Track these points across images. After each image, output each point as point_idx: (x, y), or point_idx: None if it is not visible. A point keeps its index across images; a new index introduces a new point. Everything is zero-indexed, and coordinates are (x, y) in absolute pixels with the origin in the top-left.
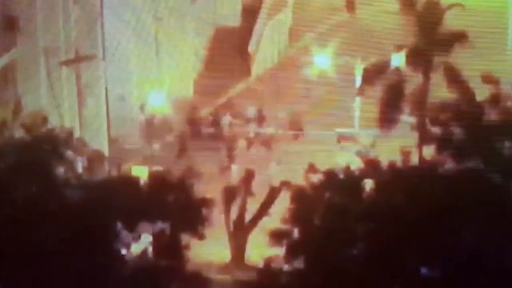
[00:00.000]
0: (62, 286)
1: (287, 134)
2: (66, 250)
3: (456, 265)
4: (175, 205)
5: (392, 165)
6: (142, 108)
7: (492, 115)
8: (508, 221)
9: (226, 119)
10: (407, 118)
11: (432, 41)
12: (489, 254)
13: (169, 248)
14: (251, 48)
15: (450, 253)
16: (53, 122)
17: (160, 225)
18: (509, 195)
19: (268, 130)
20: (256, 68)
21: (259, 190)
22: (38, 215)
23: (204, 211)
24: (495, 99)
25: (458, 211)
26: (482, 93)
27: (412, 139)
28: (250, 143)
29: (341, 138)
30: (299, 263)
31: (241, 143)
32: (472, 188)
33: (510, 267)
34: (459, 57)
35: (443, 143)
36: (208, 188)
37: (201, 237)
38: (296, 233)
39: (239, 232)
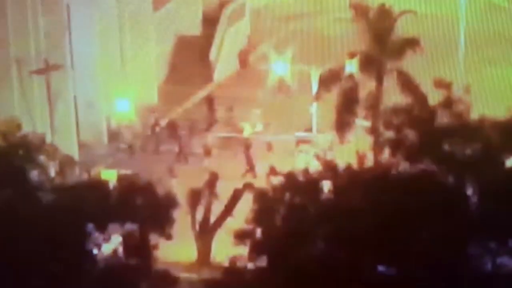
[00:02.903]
0: (37, 285)
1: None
2: (40, 250)
3: (411, 263)
4: (143, 207)
5: (348, 167)
6: (108, 119)
7: (444, 119)
8: (461, 220)
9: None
10: (362, 122)
11: (385, 47)
12: (443, 252)
13: (138, 248)
14: (212, 56)
15: (406, 251)
16: (26, 128)
17: (129, 226)
18: (460, 195)
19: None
20: (217, 75)
21: (223, 192)
22: (14, 217)
23: (171, 212)
24: (447, 103)
25: (412, 211)
26: (434, 97)
27: (367, 142)
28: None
29: (299, 141)
30: (262, 262)
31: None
32: (425, 189)
33: (464, 265)
34: (412, 63)
35: (397, 145)
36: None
37: (168, 237)
38: (258, 233)
39: (205, 233)
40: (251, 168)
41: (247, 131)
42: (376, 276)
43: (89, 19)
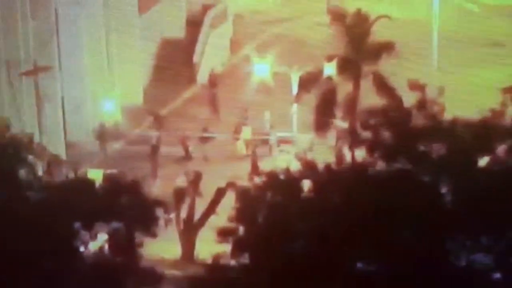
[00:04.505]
0: (25, 281)
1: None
2: (28, 247)
3: (389, 259)
4: (129, 206)
5: (327, 167)
6: (95, 120)
7: (419, 119)
8: (436, 217)
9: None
10: (340, 122)
11: (361, 51)
12: (420, 249)
13: (123, 246)
14: (195, 58)
15: (383, 248)
16: (15, 128)
17: (115, 224)
18: (435, 193)
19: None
20: (201, 76)
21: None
22: (2, 215)
23: (156, 211)
24: (422, 104)
25: (389, 208)
26: (409, 99)
27: (345, 142)
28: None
29: (280, 141)
30: (244, 259)
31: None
32: (401, 187)
33: (440, 261)
34: (387, 66)
35: (373, 145)
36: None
37: (153, 235)
38: (241, 230)
39: (189, 230)
40: (255, 169)
41: (246, 134)
42: (355, 272)
43: (77, 23)
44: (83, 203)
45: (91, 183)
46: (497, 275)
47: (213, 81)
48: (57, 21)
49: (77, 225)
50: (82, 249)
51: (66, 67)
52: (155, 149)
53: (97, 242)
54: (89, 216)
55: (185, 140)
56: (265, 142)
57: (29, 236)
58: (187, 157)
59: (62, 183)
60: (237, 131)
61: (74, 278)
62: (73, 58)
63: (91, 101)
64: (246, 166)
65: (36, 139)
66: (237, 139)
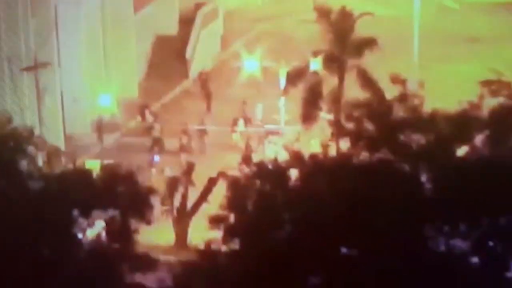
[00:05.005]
0: (25, 266)
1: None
2: (28, 234)
3: (372, 244)
4: (125, 194)
5: (313, 157)
6: (92, 113)
7: (400, 112)
8: (416, 205)
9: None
10: (325, 115)
11: (346, 46)
12: (401, 235)
13: (120, 233)
14: (187, 54)
15: (366, 234)
16: (16, 121)
17: (111, 212)
18: (415, 182)
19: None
20: (193, 72)
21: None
22: (5, 204)
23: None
24: (403, 97)
25: (372, 196)
26: (391, 92)
27: (330, 133)
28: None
29: (269, 133)
30: (235, 244)
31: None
32: (383, 176)
33: (420, 246)
34: (370, 61)
35: (357, 137)
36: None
37: (148, 222)
38: (232, 218)
39: (182, 218)
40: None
41: (241, 127)
42: (339, 257)
43: (75, 20)
44: (81, 192)
45: (88, 173)
46: (475, 260)
47: (204, 81)
48: (56, 18)
49: (75, 213)
50: (80, 236)
51: (65, 62)
52: (157, 141)
53: (94, 229)
54: (87, 205)
55: (187, 132)
56: (258, 133)
57: (30, 223)
58: (188, 149)
59: (61, 173)
60: (234, 123)
61: (72, 264)
62: (71, 54)
63: (88, 95)
64: (237, 157)
65: (37, 131)
66: (234, 131)
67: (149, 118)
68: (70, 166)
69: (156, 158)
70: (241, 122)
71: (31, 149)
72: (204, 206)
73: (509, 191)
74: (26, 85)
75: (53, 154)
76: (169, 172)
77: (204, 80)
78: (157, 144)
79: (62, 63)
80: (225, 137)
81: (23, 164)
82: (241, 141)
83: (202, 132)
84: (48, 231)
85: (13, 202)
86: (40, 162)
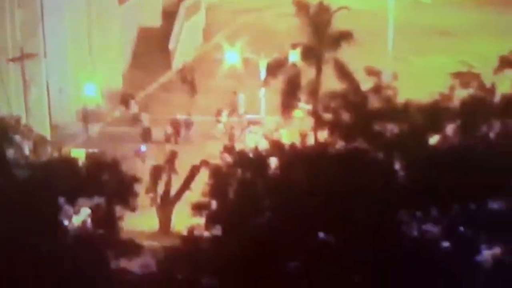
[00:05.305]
0: (12, 253)
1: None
2: (15, 222)
3: (348, 230)
4: (109, 182)
5: (292, 146)
6: (77, 103)
7: (375, 103)
8: (390, 191)
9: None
10: (304, 105)
11: (323, 39)
12: (376, 220)
13: (105, 219)
14: (170, 46)
15: (342, 219)
16: (3, 110)
17: (96, 199)
18: (389, 169)
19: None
20: (176, 63)
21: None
22: None
23: (135, 186)
24: (377, 89)
25: (348, 183)
26: (366, 83)
27: (308, 123)
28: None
29: (250, 123)
30: (217, 231)
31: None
32: (358, 163)
33: (394, 231)
34: (347, 53)
35: (334, 126)
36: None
37: (132, 209)
38: (214, 205)
39: (166, 205)
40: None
41: (225, 118)
42: (317, 242)
43: (61, 12)
44: (67, 180)
45: (74, 161)
46: (446, 244)
47: (184, 74)
48: (42, 10)
49: (61, 200)
50: (66, 222)
51: (50, 53)
52: (146, 130)
53: (80, 216)
54: (73, 192)
55: (176, 123)
56: (241, 123)
57: (16, 211)
58: (176, 140)
59: (47, 161)
60: (218, 114)
61: (59, 250)
62: (57, 45)
63: (74, 85)
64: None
65: (23, 121)
66: (219, 122)
67: (135, 107)
68: (56, 154)
69: (143, 147)
70: (225, 113)
71: (17, 138)
72: (187, 193)
73: (478, 178)
74: (12, 75)
75: (39, 143)
76: (153, 162)
77: (186, 72)
78: (145, 133)
79: (48, 54)
80: (208, 127)
81: (10, 152)
82: (224, 132)
83: (189, 123)
84: (35, 218)
85: (0, 190)
86: (27, 150)
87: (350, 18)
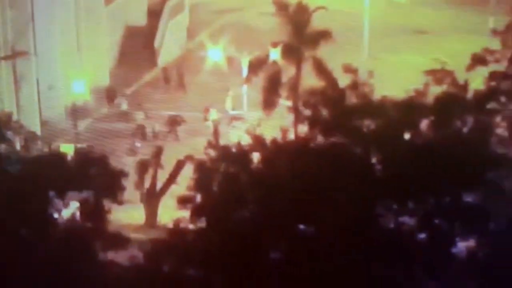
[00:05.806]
0: (3, 245)
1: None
2: (7, 215)
3: (327, 222)
4: (97, 176)
5: (274, 141)
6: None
7: (352, 99)
8: (367, 184)
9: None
10: (284, 101)
11: (302, 38)
12: (354, 212)
13: (93, 213)
14: (156, 44)
15: (322, 212)
16: None
17: (85, 193)
18: (366, 163)
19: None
20: (161, 60)
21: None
22: None
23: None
24: (354, 86)
25: (327, 177)
26: (344, 80)
27: (289, 119)
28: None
29: (233, 118)
30: (201, 223)
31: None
32: (337, 158)
33: (371, 223)
34: (325, 51)
35: (313, 122)
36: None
37: (120, 202)
38: (198, 198)
39: (152, 198)
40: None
41: (213, 115)
42: (297, 233)
43: (51, 12)
44: (57, 174)
45: (63, 156)
46: (422, 236)
47: (167, 74)
48: (32, 10)
49: (51, 194)
50: (56, 215)
51: (40, 51)
52: (141, 128)
53: (69, 210)
54: (62, 186)
55: (173, 121)
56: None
57: (7, 204)
58: (175, 137)
59: (37, 156)
60: (206, 112)
61: (49, 243)
62: (47, 43)
63: (63, 83)
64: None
65: (14, 117)
66: (207, 120)
67: (124, 104)
68: (46, 150)
69: (138, 144)
70: (213, 111)
71: (9, 133)
72: (172, 187)
73: (453, 172)
74: (4, 73)
75: (30, 138)
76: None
77: (168, 72)
78: (140, 131)
79: (38, 52)
80: (193, 123)
81: (2, 147)
82: (212, 127)
83: (178, 119)
84: (25, 211)
85: None
86: (18, 146)
87: (328, 18)
